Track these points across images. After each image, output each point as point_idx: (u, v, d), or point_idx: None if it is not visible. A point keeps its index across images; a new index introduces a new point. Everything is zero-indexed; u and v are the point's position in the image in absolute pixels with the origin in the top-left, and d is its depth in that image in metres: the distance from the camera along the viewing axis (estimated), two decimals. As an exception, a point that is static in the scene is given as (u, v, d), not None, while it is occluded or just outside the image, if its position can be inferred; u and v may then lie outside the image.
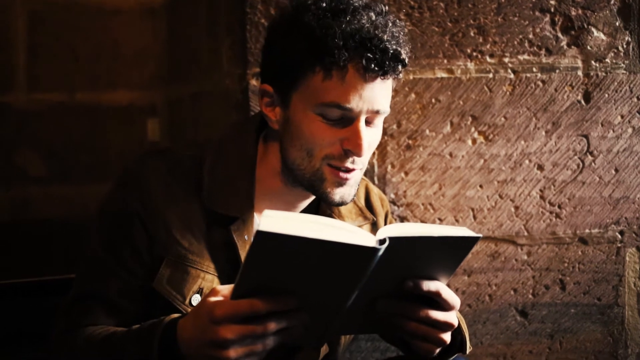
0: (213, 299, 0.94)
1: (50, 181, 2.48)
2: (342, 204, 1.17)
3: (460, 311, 1.59)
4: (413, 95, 1.68)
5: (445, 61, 1.68)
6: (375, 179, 1.68)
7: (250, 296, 0.91)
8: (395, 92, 1.67)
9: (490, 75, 1.69)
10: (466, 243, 0.98)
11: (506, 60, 1.69)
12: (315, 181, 1.15)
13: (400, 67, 1.12)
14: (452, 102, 1.69)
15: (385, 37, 1.08)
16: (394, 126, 1.68)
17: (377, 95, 1.11)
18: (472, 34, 1.68)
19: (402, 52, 1.10)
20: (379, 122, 1.16)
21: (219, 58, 1.81)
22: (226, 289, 0.96)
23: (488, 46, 1.68)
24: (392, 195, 1.69)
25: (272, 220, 0.86)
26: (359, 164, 1.15)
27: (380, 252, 0.89)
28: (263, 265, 0.90)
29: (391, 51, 1.08)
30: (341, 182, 1.15)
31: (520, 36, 1.68)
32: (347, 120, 1.11)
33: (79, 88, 2.47)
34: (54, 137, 2.45)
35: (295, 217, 0.90)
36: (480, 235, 0.98)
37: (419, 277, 1.00)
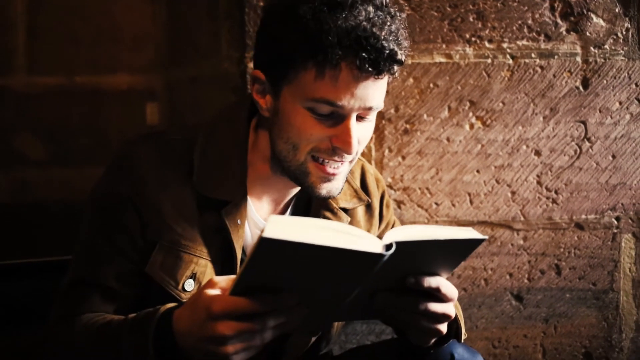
0: (210, 291, 0.93)
1: (49, 164, 2.49)
2: (329, 197, 1.16)
3: (456, 295, 1.59)
4: (411, 80, 1.68)
5: (444, 46, 1.68)
6: (373, 163, 1.69)
7: (249, 292, 0.90)
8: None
9: (489, 61, 1.69)
10: (471, 244, 0.99)
11: (505, 45, 1.69)
12: (300, 174, 1.13)
13: (395, 67, 1.07)
14: (450, 87, 1.69)
15: (382, 34, 1.03)
16: (392, 110, 1.68)
17: (370, 93, 1.07)
18: (471, 19, 1.68)
19: (399, 52, 1.06)
20: (371, 116, 1.13)
21: (218, 41, 1.81)
22: (223, 281, 0.94)
23: (487, 31, 1.68)
24: (389, 180, 1.70)
25: (276, 226, 0.84)
26: (348, 157, 1.13)
27: (386, 258, 0.89)
28: (265, 267, 0.89)
29: (387, 51, 1.04)
30: (328, 178, 1.13)
31: (520, 22, 1.68)
32: (338, 116, 1.09)
33: (79, 71, 2.47)
34: (53, 120, 2.45)
35: (300, 222, 0.88)
36: (486, 237, 0.98)
37: (420, 273, 1.00)
